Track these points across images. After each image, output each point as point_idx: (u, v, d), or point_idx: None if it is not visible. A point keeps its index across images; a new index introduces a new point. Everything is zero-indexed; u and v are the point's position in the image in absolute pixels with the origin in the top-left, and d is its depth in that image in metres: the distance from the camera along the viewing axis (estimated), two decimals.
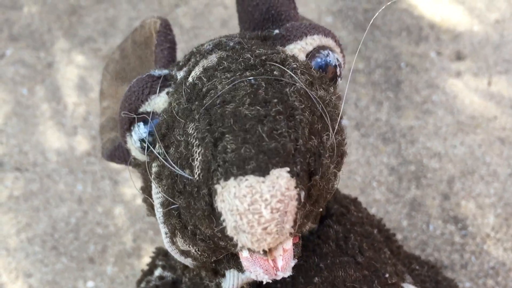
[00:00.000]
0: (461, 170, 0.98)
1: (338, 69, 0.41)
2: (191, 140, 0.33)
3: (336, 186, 0.36)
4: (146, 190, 0.45)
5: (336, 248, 0.47)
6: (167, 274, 0.56)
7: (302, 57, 0.40)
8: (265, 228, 0.29)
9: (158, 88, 0.39)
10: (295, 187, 0.30)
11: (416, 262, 0.62)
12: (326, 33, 0.42)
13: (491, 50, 1.14)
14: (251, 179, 0.29)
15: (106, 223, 0.98)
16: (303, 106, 0.33)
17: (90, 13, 1.29)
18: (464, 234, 0.91)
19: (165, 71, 0.41)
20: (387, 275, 0.46)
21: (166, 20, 0.48)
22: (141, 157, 0.43)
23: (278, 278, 0.34)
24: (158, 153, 0.37)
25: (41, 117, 1.12)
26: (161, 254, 0.60)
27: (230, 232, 0.31)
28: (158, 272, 0.57)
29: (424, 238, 0.91)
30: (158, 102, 0.39)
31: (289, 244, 0.33)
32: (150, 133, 0.39)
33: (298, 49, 0.40)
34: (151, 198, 0.42)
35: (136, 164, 0.46)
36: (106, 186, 1.02)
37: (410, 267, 0.59)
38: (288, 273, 0.34)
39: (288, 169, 0.30)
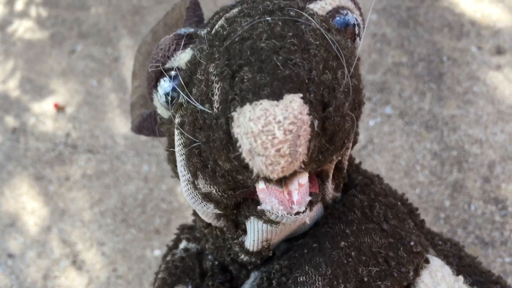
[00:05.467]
0: (501, 155, 1.04)
1: (357, 29, 0.41)
2: (211, 77, 0.34)
3: (352, 134, 0.37)
4: (171, 148, 0.47)
5: (362, 216, 0.47)
6: (192, 246, 0.57)
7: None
8: (278, 150, 0.30)
9: (183, 45, 0.41)
10: (308, 114, 0.31)
11: (438, 238, 0.61)
12: None
13: None
14: (265, 103, 0.30)
15: (170, 200, 1.08)
16: (318, 43, 0.34)
17: (151, 13, 1.40)
18: (504, 214, 0.97)
19: (191, 30, 0.42)
20: (412, 243, 0.47)
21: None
22: (166, 113, 0.44)
23: (293, 212, 0.34)
24: (181, 97, 0.39)
25: (110, 106, 1.24)
26: (185, 228, 0.62)
27: (245, 156, 0.31)
28: (183, 244, 0.58)
29: (466, 217, 0.98)
30: (183, 57, 0.40)
31: (304, 179, 0.34)
32: (174, 89, 0.40)
33: (318, 8, 0.40)
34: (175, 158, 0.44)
35: (162, 123, 0.47)
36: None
37: (433, 242, 0.59)
38: (303, 208, 0.34)
39: (301, 95, 0.31)
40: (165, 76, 0.41)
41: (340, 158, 0.45)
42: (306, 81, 0.32)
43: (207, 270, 0.53)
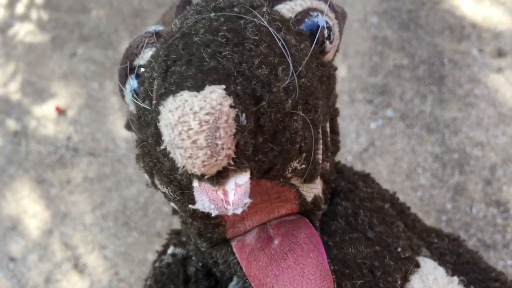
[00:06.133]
0: (503, 158, 1.04)
1: (326, 31, 0.40)
2: (153, 73, 0.34)
3: (310, 137, 0.36)
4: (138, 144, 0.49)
5: (346, 225, 0.46)
6: (178, 251, 0.57)
7: (290, 16, 0.40)
8: (194, 141, 0.29)
9: (152, 42, 0.41)
10: (232, 106, 0.30)
11: (435, 235, 0.59)
12: None
13: None
14: (186, 94, 0.30)
15: None
16: (258, 38, 0.33)
17: (152, 16, 1.41)
18: (506, 217, 0.97)
19: (160, 28, 0.43)
20: (399, 249, 0.45)
21: None
22: (134, 109, 0.44)
23: (229, 213, 0.32)
24: (135, 96, 0.39)
25: (111, 109, 1.24)
26: (173, 233, 0.62)
27: (168, 149, 0.31)
28: (170, 250, 0.58)
29: (468, 220, 0.98)
30: (148, 55, 0.41)
31: (243, 180, 0.32)
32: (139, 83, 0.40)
33: (287, 9, 0.40)
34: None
35: (132, 120, 0.47)
36: None
37: (428, 240, 0.57)
38: (240, 209, 0.32)
39: (224, 86, 0.30)
40: (132, 73, 0.42)
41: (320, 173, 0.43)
42: (234, 73, 0.31)
43: (191, 276, 0.53)
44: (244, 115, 0.30)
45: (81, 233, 1.06)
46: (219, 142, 0.29)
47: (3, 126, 1.25)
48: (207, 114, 0.29)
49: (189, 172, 0.31)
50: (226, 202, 0.32)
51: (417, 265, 0.46)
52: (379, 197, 0.52)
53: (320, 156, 0.39)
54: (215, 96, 0.29)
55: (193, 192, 0.35)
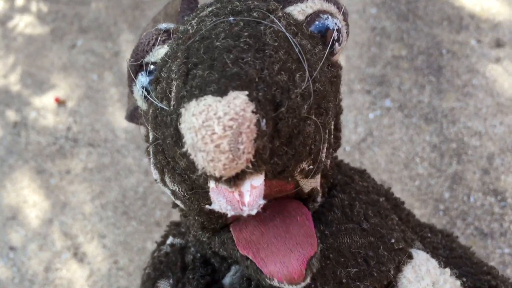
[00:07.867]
0: (500, 147, 1.04)
1: (336, 34, 0.41)
2: (172, 75, 0.35)
3: (320, 140, 0.37)
4: (148, 139, 0.48)
5: (342, 216, 0.47)
6: (177, 241, 0.58)
7: (300, 18, 0.40)
8: (217, 146, 0.30)
9: (163, 40, 0.42)
10: (254, 112, 0.30)
11: (429, 230, 0.61)
12: None
13: None
14: (209, 98, 0.30)
15: None
16: (277, 44, 0.34)
17: (151, 8, 1.41)
18: (503, 205, 0.97)
19: (171, 25, 0.43)
20: (393, 241, 0.47)
21: None
22: (144, 105, 0.45)
23: (244, 214, 0.33)
24: (150, 95, 0.39)
25: (110, 100, 1.25)
26: (173, 225, 0.64)
27: (189, 151, 0.31)
28: (169, 240, 0.59)
29: (465, 209, 0.98)
30: (161, 53, 0.41)
31: (258, 181, 0.33)
32: (151, 82, 0.41)
33: (298, 11, 0.40)
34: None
35: (141, 115, 0.48)
36: None
37: (421, 234, 0.59)
38: (255, 210, 0.33)
39: (247, 92, 0.30)
40: (143, 70, 0.42)
41: (325, 166, 0.44)
42: (256, 79, 0.31)
43: (188, 263, 0.54)
44: (264, 120, 0.31)
45: (80, 222, 1.07)
46: (241, 146, 0.30)
47: (3, 117, 1.25)
48: (231, 119, 0.29)
49: (208, 174, 0.31)
50: (242, 203, 0.33)
51: (410, 257, 0.48)
52: (374, 191, 0.54)
53: (324, 155, 0.40)
54: (238, 102, 0.30)
55: (206, 191, 0.36)
